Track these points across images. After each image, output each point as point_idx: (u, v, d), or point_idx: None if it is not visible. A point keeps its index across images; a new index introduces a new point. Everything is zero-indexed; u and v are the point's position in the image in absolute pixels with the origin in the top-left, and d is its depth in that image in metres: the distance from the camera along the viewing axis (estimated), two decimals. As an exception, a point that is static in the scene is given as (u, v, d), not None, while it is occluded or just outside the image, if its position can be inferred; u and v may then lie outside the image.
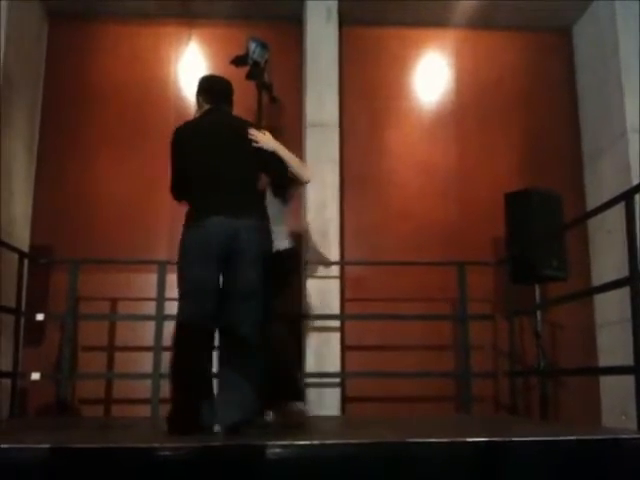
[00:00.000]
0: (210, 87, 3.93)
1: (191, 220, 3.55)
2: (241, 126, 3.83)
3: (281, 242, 4.19)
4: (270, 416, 3.79)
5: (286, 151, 3.94)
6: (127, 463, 2.58)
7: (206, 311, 3.46)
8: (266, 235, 3.64)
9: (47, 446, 2.61)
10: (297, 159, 4.04)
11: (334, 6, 6.37)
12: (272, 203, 4.22)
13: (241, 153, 3.73)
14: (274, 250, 3.89)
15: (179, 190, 3.78)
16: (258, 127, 3.99)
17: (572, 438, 2.92)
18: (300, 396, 4.24)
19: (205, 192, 3.59)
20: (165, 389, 5.42)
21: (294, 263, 4.54)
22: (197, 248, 3.47)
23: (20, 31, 5.94)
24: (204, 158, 3.64)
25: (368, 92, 6.65)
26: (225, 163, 3.64)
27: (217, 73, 6.45)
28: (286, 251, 4.26)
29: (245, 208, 3.58)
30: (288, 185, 4.25)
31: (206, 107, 3.86)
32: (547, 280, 5.42)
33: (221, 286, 3.53)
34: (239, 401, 3.36)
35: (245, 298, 3.49)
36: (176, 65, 6.63)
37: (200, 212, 3.53)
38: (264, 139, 3.82)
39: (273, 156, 3.84)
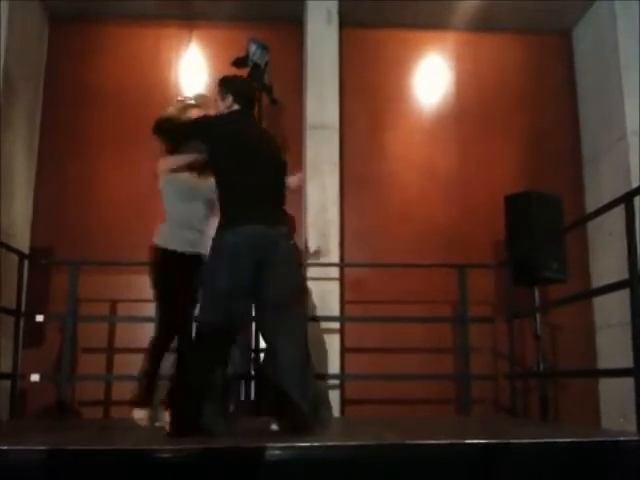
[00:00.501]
0: (246, 91, 3.97)
1: (230, 224, 3.56)
2: (272, 136, 4.01)
3: None
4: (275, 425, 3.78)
5: None
6: (127, 465, 2.58)
7: (233, 316, 3.51)
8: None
9: (47, 448, 2.61)
10: None
11: (334, 8, 6.37)
12: None
13: (280, 164, 3.85)
14: None
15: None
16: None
17: (571, 440, 2.92)
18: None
19: (246, 198, 3.61)
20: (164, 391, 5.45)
21: None
22: (234, 253, 3.49)
23: (21, 32, 5.95)
24: (251, 162, 3.66)
25: (369, 94, 6.66)
26: (271, 172, 3.72)
27: (217, 75, 6.51)
28: None
29: (281, 218, 3.73)
30: None
31: (235, 107, 3.86)
32: (547, 282, 5.42)
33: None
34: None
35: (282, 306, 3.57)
36: (177, 66, 6.63)
37: (240, 218, 3.55)
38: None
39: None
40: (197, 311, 3.79)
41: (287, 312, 3.55)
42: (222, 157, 3.68)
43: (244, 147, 3.68)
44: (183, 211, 4.20)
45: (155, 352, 4.16)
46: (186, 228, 4.17)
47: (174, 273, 4.06)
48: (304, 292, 3.56)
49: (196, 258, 4.05)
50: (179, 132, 3.98)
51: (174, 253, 4.08)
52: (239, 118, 3.82)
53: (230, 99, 3.86)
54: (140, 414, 4.14)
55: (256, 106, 4.09)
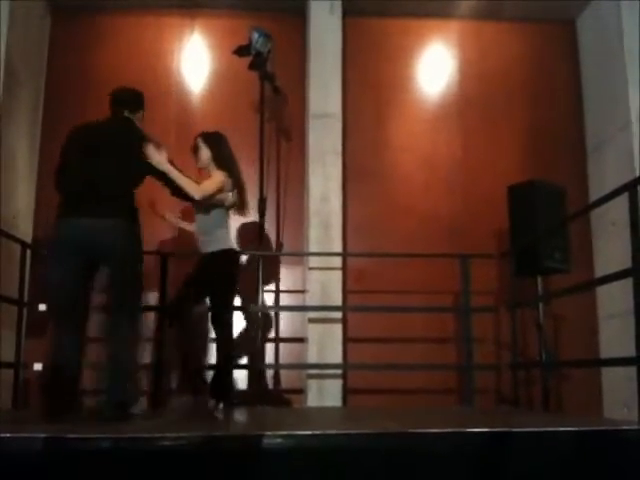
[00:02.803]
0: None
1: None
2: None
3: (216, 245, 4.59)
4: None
5: (174, 172, 4.07)
6: (129, 452, 2.58)
7: None
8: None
9: (50, 436, 2.62)
10: (185, 178, 4.17)
11: (338, -2, 6.35)
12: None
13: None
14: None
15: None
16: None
17: (574, 430, 2.92)
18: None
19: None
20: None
21: (228, 265, 4.65)
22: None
23: (23, 24, 5.93)
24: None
25: (372, 83, 6.64)
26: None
27: (220, 63, 6.52)
28: (220, 253, 4.58)
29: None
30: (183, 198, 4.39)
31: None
32: (550, 272, 5.41)
33: None
34: None
35: None
36: (179, 56, 6.62)
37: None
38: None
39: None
40: None
41: None
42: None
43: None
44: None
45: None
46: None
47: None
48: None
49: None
50: None
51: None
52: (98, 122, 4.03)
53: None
54: None
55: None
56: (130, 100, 4.16)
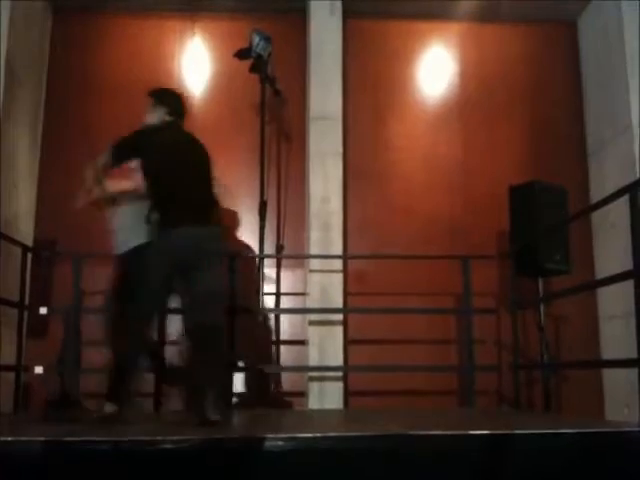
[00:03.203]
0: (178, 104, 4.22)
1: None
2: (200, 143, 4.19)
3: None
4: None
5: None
6: (130, 455, 2.59)
7: None
8: None
9: (51, 439, 2.62)
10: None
11: (338, -1, 6.36)
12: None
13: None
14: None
15: None
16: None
17: (575, 431, 2.92)
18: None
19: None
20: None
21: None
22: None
23: (24, 24, 5.94)
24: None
25: (372, 85, 6.64)
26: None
27: (221, 66, 6.53)
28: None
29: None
30: None
31: (167, 119, 4.12)
32: (551, 273, 5.41)
33: None
34: None
35: None
36: (180, 58, 6.62)
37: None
38: None
39: None
40: None
41: None
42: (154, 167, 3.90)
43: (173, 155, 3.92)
44: None
45: None
46: None
47: None
48: None
49: None
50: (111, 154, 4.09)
51: None
52: (168, 128, 4.06)
53: (165, 110, 4.11)
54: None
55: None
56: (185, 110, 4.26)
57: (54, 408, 4.94)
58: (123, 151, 4.01)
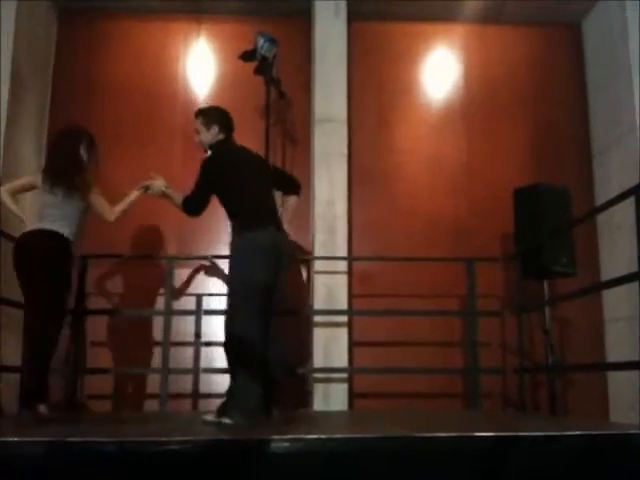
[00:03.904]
0: (228, 120, 4.41)
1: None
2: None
3: None
4: None
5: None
6: (134, 456, 2.59)
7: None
8: None
9: (57, 439, 2.62)
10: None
11: (343, 1, 6.35)
12: None
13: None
14: None
15: None
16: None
17: (580, 433, 2.91)
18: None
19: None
20: (173, 384, 5.48)
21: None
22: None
23: (29, 27, 5.96)
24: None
25: (377, 87, 6.64)
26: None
27: (225, 68, 6.55)
28: None
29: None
30: None
31: (221, 137, 4.31)
32: (556, 276, 5.40)
33: None
34: None
35: None
36: (185, 61, 6.63)
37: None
38: None
39: None
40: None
41: None
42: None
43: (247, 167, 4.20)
44: None
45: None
46: None
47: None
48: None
49: None
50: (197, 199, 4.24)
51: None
52: (231, 144, 4.33)
53: (217, 128, 4.27)
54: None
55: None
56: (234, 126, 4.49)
57: (58, 409, 4.97)
58: (211, 187, 4.16)
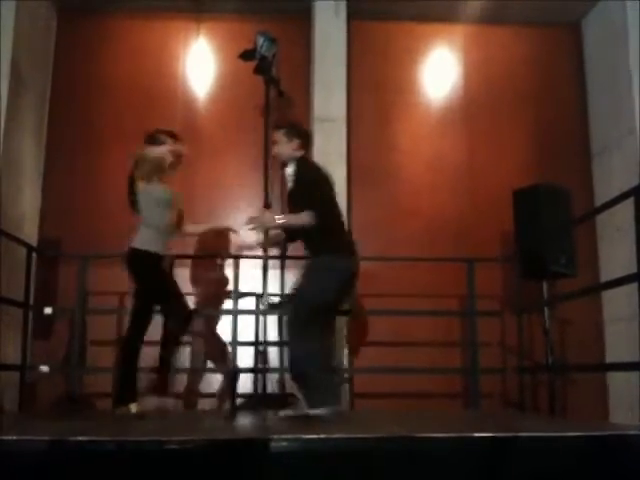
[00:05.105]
0: (310, 139, 4.53)
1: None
2: None
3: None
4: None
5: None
6: (135, 455, 2.59)
7: None
8: None
9: (57, 438, 2.62)
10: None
11: (343, 1, 6.35)
12: None
13: None
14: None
15: None
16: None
17: (580, 434, 2.91)
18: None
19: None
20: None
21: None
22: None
23: (29, 26, 5.96)
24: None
25: (376, 87, 6.64)
26: None
27: (225, 67, 6.54)
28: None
29: None
30: None
31: (301, 152, 4.28)
32: (555, 276, 5.39)
33: None
34: None
35: None
36: (184, 59, 6.64)
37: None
38: None
39: None
40: None
41: None
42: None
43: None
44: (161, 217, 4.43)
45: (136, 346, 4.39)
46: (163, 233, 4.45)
47: (157, 273, 4.35)
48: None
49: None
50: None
51: (156, 255, 4.34)
52: (310, 161, 4.38)
53: (297, 143, 4.23)
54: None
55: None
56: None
57: (59, 406, 4.98)
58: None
